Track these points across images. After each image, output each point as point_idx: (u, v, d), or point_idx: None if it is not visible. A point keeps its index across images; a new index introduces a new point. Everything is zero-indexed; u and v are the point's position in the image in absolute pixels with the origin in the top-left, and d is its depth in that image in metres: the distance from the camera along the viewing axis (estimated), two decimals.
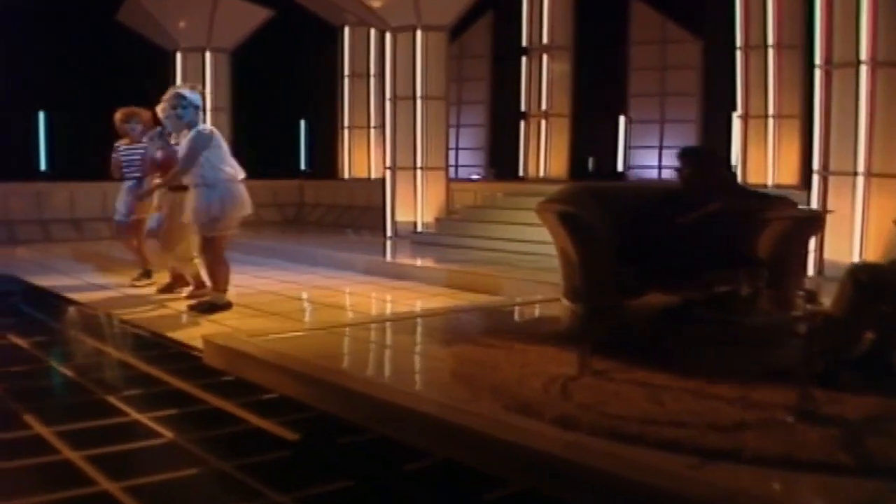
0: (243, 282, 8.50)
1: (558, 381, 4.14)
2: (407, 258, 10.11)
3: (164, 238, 7.63)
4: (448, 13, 12.16)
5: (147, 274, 8.57)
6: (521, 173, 15.01)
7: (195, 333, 6.17)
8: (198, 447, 4.06)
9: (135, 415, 4.54)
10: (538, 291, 7.49)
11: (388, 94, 12.30)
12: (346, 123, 16.14)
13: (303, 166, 17.15)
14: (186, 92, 6.61)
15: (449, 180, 12.56)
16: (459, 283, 8.31)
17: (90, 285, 8.61)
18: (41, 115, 14.62)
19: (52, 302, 7.81)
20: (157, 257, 8.40)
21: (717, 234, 5.08)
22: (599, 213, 5.07)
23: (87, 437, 4.11)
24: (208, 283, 7.10)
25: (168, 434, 4.22)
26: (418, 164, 12.13)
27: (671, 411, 3.66)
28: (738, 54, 11.83)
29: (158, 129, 7.78)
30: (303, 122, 17.08)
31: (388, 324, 5.68)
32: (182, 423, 4.46)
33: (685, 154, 5.40)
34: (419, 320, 5.95)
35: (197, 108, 6.58)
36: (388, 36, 12.30)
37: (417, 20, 12.03)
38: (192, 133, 6.54)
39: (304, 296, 7.91)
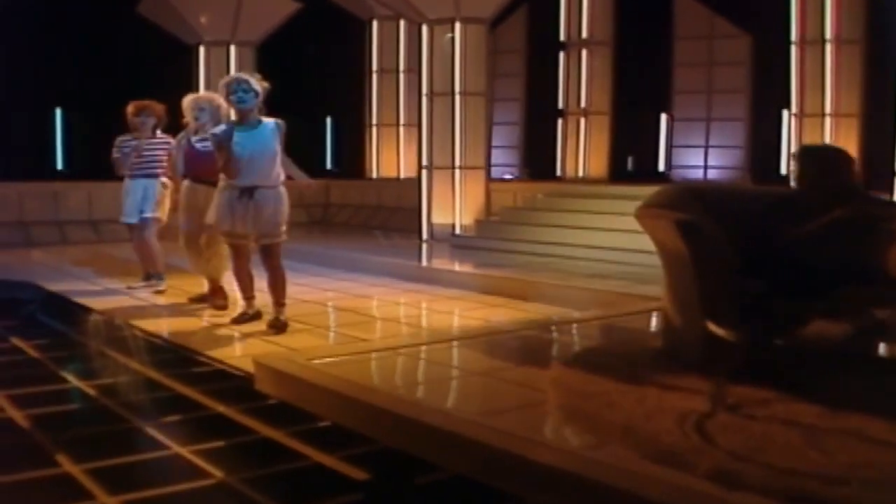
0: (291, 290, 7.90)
1: (691, 419, 3.47)
2: (451, 264, 9.46)
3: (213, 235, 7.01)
4: (488, 5, 11.52)
5: (154, 277, 7.97)
6: (558, 173, 14.39)
7: (233, 350, 5.55)
8: (252, 489, 3.50)
9: (175, 447, 3.94)
10: (606, 302, 6.88)
11: (424, 90, 11.64)
12: (374, 121, 15.50)
13: (329, 165, 16.53)
14: (250, 76, 5.92)
15: (489, 180, 11.89)
16: (514, 292, 7.66)
17: (112, 292, 7.99)
18: (58, 113, 14.14)
19: (73, 311, 7.20)
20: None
21: (843, 245, 4.39)
22: (710, 221, 4.38)
23: (123, 477, 3.60)
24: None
25: (216, 473, 3.65)
26: (456, 163, 11.47)
27: (845, 464, 2.99)
28: (793, 50, 11.20)
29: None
30: (329, 120, 16.47)
31: (460, 342, 5.00)
32: (231, 457, 3.88)
33: (807, 154, 4.72)
34: (495, 337, 5.24)
35: (258, 95, 5.86)
36: (424, 29, 11.65)
37: (456, 12, 11.38)
38: (275, 124, 5.91)
39: (350, 306, 7.24)
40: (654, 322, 6.00)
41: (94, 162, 13.58)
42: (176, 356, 5.61)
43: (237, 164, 5.74)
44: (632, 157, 15.13)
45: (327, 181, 15.23)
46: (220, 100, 7.03)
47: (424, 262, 9.64)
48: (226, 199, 5.90)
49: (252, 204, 5.82)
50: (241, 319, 6.19)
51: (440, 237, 11.49)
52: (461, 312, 6.98)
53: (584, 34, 14.02)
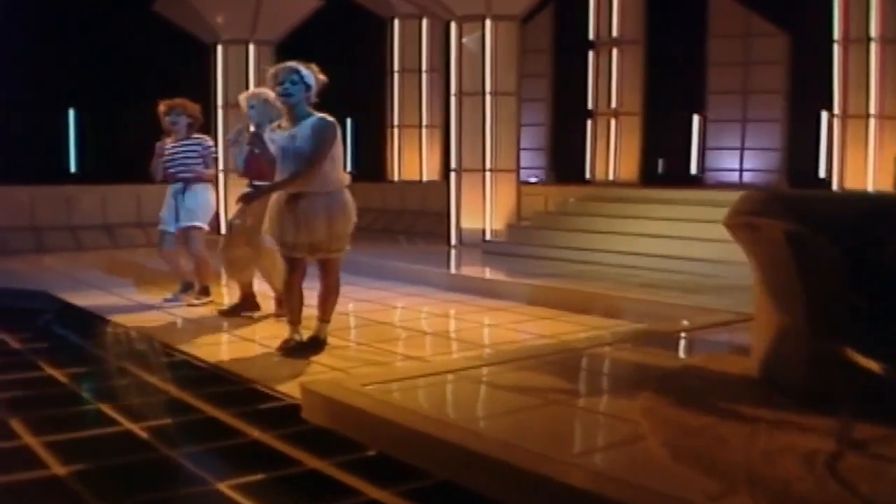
0: (313, 300, 7.40)
1: (818, 461, 2.98)
2: (489, 272, 8.95)
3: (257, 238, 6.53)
4: (520, 1, 11.04)
5: (206, 291, 7.46)
6: (587, 176, 13.92)
7: (272, 371, 5.06)
8: None
9: (212, 481, 3.45)
10: (665, 315, 6.40)
11: (452, 90, 11.17)
12: (395, 122, 15.03)
13: (349, 168, 15.98)
14: (302, 66, 5.22)
15: (520, 183, 11.41)
16: (562, 303, 7.19)
17: (130, 303, 7.52)
18: (71, 114, 13.72)
19: (90, 324, 6.73)
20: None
21: None
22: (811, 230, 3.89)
23: None
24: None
25: None
26: (487, 165, 10.99)
27: None
28: (836, 49, 10.70)
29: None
30: (349, 121, 15.99)
31: (524, 362, 4.50)
32: (274, 492, 3.41)
33: None
34: (562, 357, 4.74)
35: (309, 88, 5.21)
36: (452, 26, 11.18)
37: (487, 9, 10.91)
38: (317, 121, 5.17)
39: (388, 318, 6.75)
40: (731, 339, 5.53)
41: (109, 164, 13.33)
42: (206, 375, 5.12)
43: (275, 166, 5.22)
44: (662, 160, 14.62)
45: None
46: (268, 93, 6.54)
47: (460, 271, 9.14)
48: (276, 206, 5.33)
49: (301, 212, 5.19)
50: (289, 349, 5.42)
51: (469, 242, 11.03)
52: (511, 326, 6.49)
53: (615, 33, 13.65)
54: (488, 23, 10.95)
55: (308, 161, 5.08)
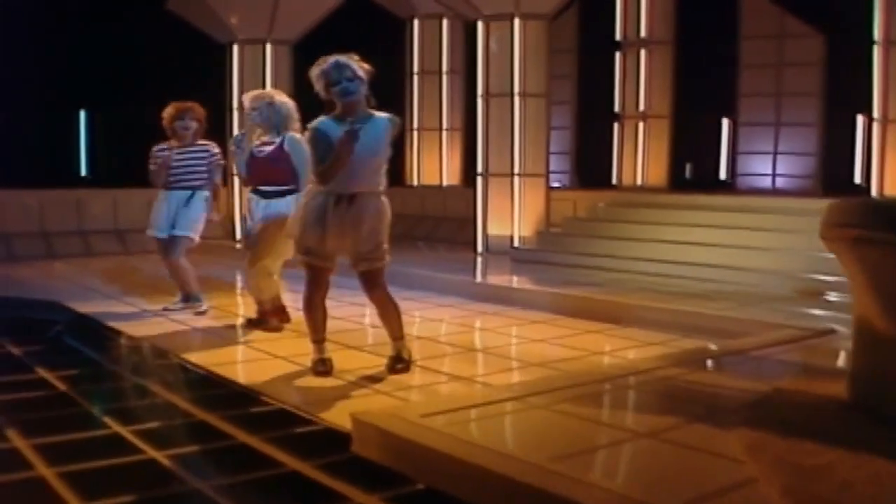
0: (340, 311, 6.96)
1: None
2: (524, 281, 8.50)
3: (257, 250, 6.20)
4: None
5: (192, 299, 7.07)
6: (613, 181, 13.48)
7: (307, 392, 4.61)
8: None
9: None
10: (721, 329, 5.98)
11: (479, 91, 10.72)
12: (415, 125, 14.59)
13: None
14: (353, 63, 4.72)
15: (550, 188, 10.96)
16: (605, 315, 6.75)
17: (147, 314, 7.09)
18: (82, 115, 13.32)
19: (104, 336, 6.30)
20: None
21: None
22: None
23: None
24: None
25: None
26: (515, 169, 10.54)
27: None
28: (876, 50, 10.23)
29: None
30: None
31: (593, 386, 4.03)
32: None
33: None
34: (633, 380, 4.27)
35: (364, 82, 4.74)
36: (479, 25, 10.74)
37: (515, 7, 10.48)
38: (389, 122, 4.79)
39: (429, 333, 6.28)
40: (801, 358, 5.07)
41: (120, 167, 12.89)
42: (232, 395, 4.68)
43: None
44: (690, 165, 14.16)
45: None
46: (279, 98, 6.19)
47: (493, 280, 8.68)
48: (317, 207, 4.78)
49: (350, 215, 4.72)
50: (319, 370, 5.00)
51: (496, 250, 10.58)
52: (557, 341, 6.04)
53: (643, 33, 13.23)
54: (517, 22, 10.51)
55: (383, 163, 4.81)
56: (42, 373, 5.10)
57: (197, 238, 7.06)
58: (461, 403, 3.67)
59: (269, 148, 6.16)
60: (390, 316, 5.00)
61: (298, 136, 6.11)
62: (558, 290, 7.61)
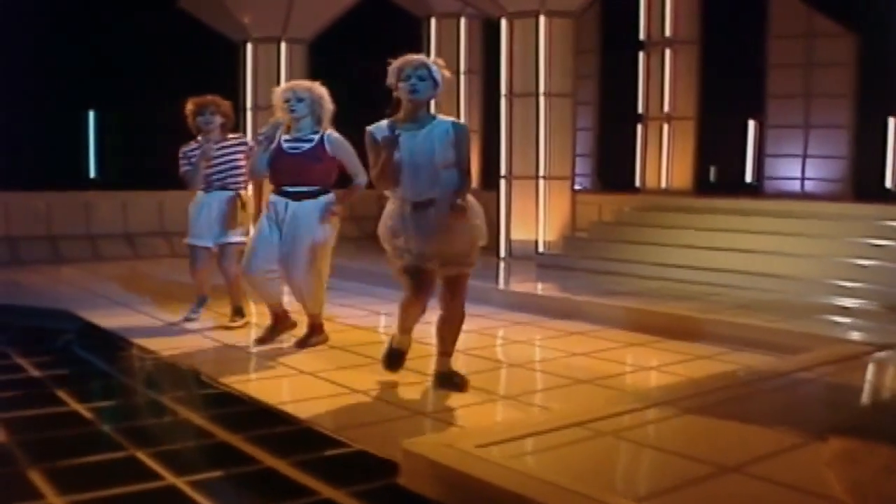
0: (367, 321, 6.62)
1: None
2: (554, 289, 8.12)
3: (316, 259, 5.76)
4: None
5: (240, 312, 6.65)
6: (636, 184, 13.10)
7: (345, 415, 4.23)
8: None
9: None
10: (775, 343, 5.62)
11: (503, 91, 10.34)
12: None
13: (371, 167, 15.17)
14: (431, 63, 4.47)
15: (575, 191, 10.58)
16: (646, 326, 6.39)
17: (159, 323, 6.73)
18: (90, 115, 12.96)
19: (116, 347, 5.93)
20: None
21: None
22: None
23: None
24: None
25: None
26: (540, 172, 10.16)
27: None
28: None
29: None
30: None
31: (663, 409, 3.65)
32: None
33: None
34: (699, 401, 3.87)
35: (437, 86, 4.48)
36: (503, 23, 10.37)
37: (541, 4, 10.11)
38: (456, 127, 4.50)
39: (467, 346, 5.87)
40: (876, 377, 4.69)
41: (130, 169, 12.59)
42: (257, 414, 4.32)
43: (397, 171, 4.43)
44: (714, 167, 13.77)
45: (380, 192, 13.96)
46: (322, 90, 5.77)
47: (523, 287, 8.28)
48: (395, 214, 4.54)
49: (432, 220, 4.44)
50: (393, 360, 4.85)
51: (520, 255, 10.20)
52: (602, 355, 5.66)
53: (668, 32, 12.85)
54: (542, 19, 10.14)
55: (465, 171, 4.52)
56: (51, 387, 4.75)
57: (244, 241, 6.63)
58: (520, 431, 3.29)
59: (307, 145, 5.69)
60: (453, 329, 4.68)
61: (336, 134, 5.75)
62: (594, 299, 7.22)
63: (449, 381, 4.63)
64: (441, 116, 4.58)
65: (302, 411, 4.23)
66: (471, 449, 3.05)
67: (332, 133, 5.72)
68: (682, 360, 5.48)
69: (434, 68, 4.45)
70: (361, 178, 5.68)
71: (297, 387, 4.81)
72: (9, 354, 5.55)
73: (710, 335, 6.09)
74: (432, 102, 4.79)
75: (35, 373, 5.12)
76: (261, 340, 5.96)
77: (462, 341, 5.95)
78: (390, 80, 4.53)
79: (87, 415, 4.26)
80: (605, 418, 3.49)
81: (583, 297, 7.27)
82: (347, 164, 5.72)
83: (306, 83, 5.83)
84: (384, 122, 4.54)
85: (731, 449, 3.26)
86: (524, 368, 5.26)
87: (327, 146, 5.67)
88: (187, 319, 6.71)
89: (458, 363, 4.98)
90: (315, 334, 5.90)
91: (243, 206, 6.57)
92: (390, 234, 4.58)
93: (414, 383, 4.77)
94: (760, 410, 3.85)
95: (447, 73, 4.53)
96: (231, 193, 6.55)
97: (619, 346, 5.94)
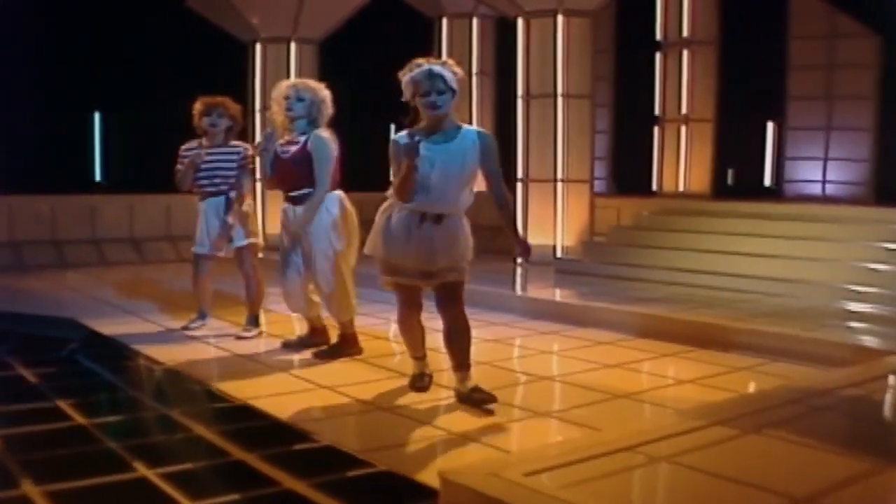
0: (386, 330, 6.35)
1: None
2: (575, 296, 7.83)
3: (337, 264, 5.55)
4: None
5: (256, 321, 6.38)
6: (653, 187, 12.85)
7: (373, 435, 3.95)
8: None
9: None
10: (814, 354, 5.35)
11: (520, 92, 10.07)
12: None
13: (392, 176, 14.89)
14: (443, 69, 4.18)
15: (594, 195, 10.30)
16: (675, 335, 6.12)
17: (167, 333, 6.46)
18: (96, 117, 12.69)
19: (124, 357, 5.67)
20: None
21: None
22: None
23: None
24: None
25: None
26: (558, 175, 9.88)
27: None
28: None
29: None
30: (392, 127, 14.91)
31: (716, 432, 3.36)
32: None
33: None
34: (756, 419, 3.56)
35: (455, 93, 4.21)
36: (520, 22, 10.10)
37: (559, 3, 9.84)
38: (482, 137, 4.26)
39: (492, 357, 5.60)
40: None
41: (136, 172, 12.33)
42: (267, 428, 4.07)
43: (417, 183, 4.18)
44: (732, 170, 13.48)
45: None
46: (326, 94, 5.53)
47: (543, 294, 8.00)
48: (401, 225, 4.27)
49: (434, 235, 4.22)
50: (417, 385, 4.66)
51: (536, 260, 9.86)
52: (635, 366, 5.40)
53: (685, 32, 12.61)
54: (560, 18, 9.86)
55: (500, 184, 4.32)
56: (56, 401, 4.49)
57: (259, 240, 6.45)
58: (570, 457, 3.01)
59: (294, 147, 5.46)
60: (460, 339, 4.39)
61: (325, 134, 5.48)
62: (619, 307, 6.94)
63: (468, 398, 4.35)
64: (466, 126, 4.34)
65: (323, 429, 3.95)
66: (519, 478, 2.77)
67: (318, 132, 5.46)
68: (719, 373, 5.21)
69: (449, 76, 4.18)
70: (319, 188, 5.38)
71: (316, 402, 4.53)
72: (11, 364, 5.31)
73: (742, 344, 5.85)
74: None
75: (38, 384, 4.87)
76: (287, 345, 5.83)
77: (485, 352, 5.74)
78: (405, 95, 4.30)
79: (93, 430, 4.00)
80: (658, 441, 3.21)
81: (607, 305, 7.00)
82: (315, 165, 5.40)
83: (312, 83, 5.61)
84: (405, 133, 4.30)
85: (798, 477, 2.98)
86: (555, 381, 4.98)
87: (309, 144, 5.43)
88: (186, 329, 6.48)
89: (483, 376, 4.70)
90: (347, 346, 5.64)
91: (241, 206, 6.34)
92: (385, 246, 4.33)
93: (443, 399, 4.49)
94: (821, 432, 3.56)
95: (460, 73, 4.27)
96: (223, 198, 6.30)
97: (651, 356, 5.66)
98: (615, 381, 4.95)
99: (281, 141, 5.53)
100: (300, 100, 5.43)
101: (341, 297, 5.52)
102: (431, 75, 4.14)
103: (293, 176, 5.45)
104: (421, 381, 4.66)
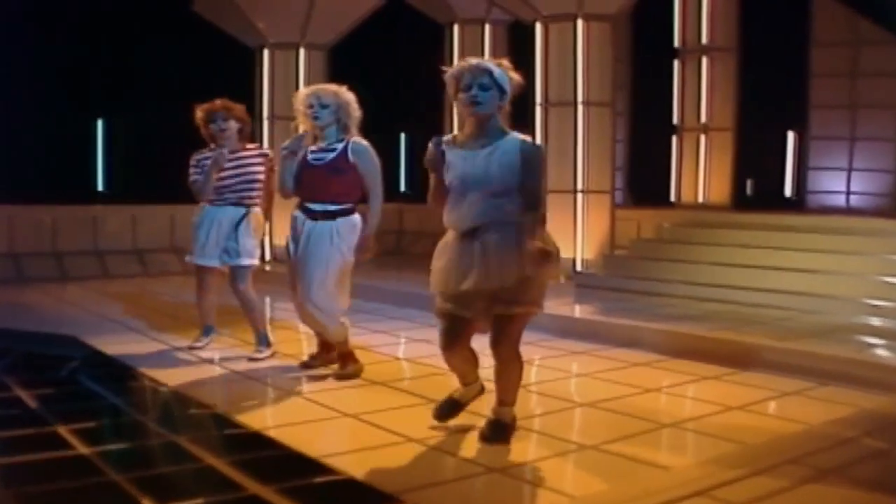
0: (407, 351, 6.00)
1: None
2: (603, 313, 7.48)
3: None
4: None
5: (265, 341, 6.00)
6: (671, 198, 12.52)
7: (410, 472, 3.58)
8: None
9: None
10: (864, 377, 4.97)
11: (538, 99, 9.73)
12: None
13: (402, 187, 14.60)
14: (493, 65, 3.77)
15: (615, 206, 9.95)
16: (713, 356, 5.75)
17: (173, 352, 6.11)
18: (99, 124, 12.36)
19: (127, 378, 5.33)
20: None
21: None
22: None
23: None
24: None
25: None
26: (578, 186, 9.53)
27: None
28: None
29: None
30: (403, 136, 14.62)
31: (791, 470, 3.01)
32: None
33: None
34: (838, 455, 3.23)
35: (504, 94, 3.77)
36: (538, 27, 9.77)
37: (578, 7, 9.51)
38: (526, 147, 3.77)
39: (524, 381, 5.23)
40: None
41: (140, 182, 12.02)
42: (282, 458, 3.73)
43: (445, 194, 3.85)
44: (751, 181, 13.14)
45: (400, 205, 13.41)
46: (349, 95, 5.20)
47: (570, 311, 7.64)
48: (442, 246, 3.91)
49: (474, 252, 3.75)
50: (443, 411, 4.18)
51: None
52: (677, 391, 5.07)
53: (704, 39, 12.31)
54: (580, 23, 9.53)
55: (535, 200, 3.80)
56: (55, 426, 4.16)
57: (257, 264, 6.04)
58: (650, 501, 2.64)
59: (330, 155, 5.12)
60: (509, 378, 3.95)
61: (365, 142, 5.17)
62: (654, 325, 6.59)
63: (492, 429, 3.95)
64: (514, 134, 3.86)
65: (351, 465, 3.58)
66: None
67: (358, 139, 5.16)
68: (767, 398, 4.86)
69: (498, 72, 3.75)
70: (375, 200, 5.14)
71: (339, 433, 4.17)
72: (8, 385, 4.98)
73: (786, 366, 5.47)
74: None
75: (36, 408, 4.54)
76: (305, 365, 5.51)
77: (544, 378, 5.38)
78: (449, 89, 3.88)
79: (96, 460, 3.67)
80: (732, 483, 2.85)
81: (640, 323, 6.63)
82: (366, 175, 5.13)
83: (332, 87, 5.25)
84: (445, 138, 3.90)
85: None
86: (597, 409, 4.59)
87: (350, 154, 5.11)
88: (192, 348, 6.12)
89: (518, 401, 4.34)
90: (347, 363, 5.33)
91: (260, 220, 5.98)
92: (434, 267, 3.94)
93: (477, 428, 4.11)
94: None
95: (516, 78, 3.83)
96: (244, 210, 5.89)
97: (691, 379, 5.29)
98: (659, 408, 4.61)
99: (313, 147, 5.19)
100: (324, 106, 5.10)
101: (331, 318, 5.21)
102: (475, 69, 3.74)
103: (320, 186, 5.12)
104: (449, 408, 4.15)
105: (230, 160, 5.86)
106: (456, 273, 3.78)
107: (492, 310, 3.77)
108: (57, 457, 3.72)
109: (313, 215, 5.14)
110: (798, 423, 4.25)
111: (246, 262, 5.87)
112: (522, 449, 3.86)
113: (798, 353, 5.61)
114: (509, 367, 3.91)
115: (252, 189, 5.90)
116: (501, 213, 3.75)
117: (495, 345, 3.83)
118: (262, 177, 5.90)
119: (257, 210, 5.92)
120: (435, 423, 4.11)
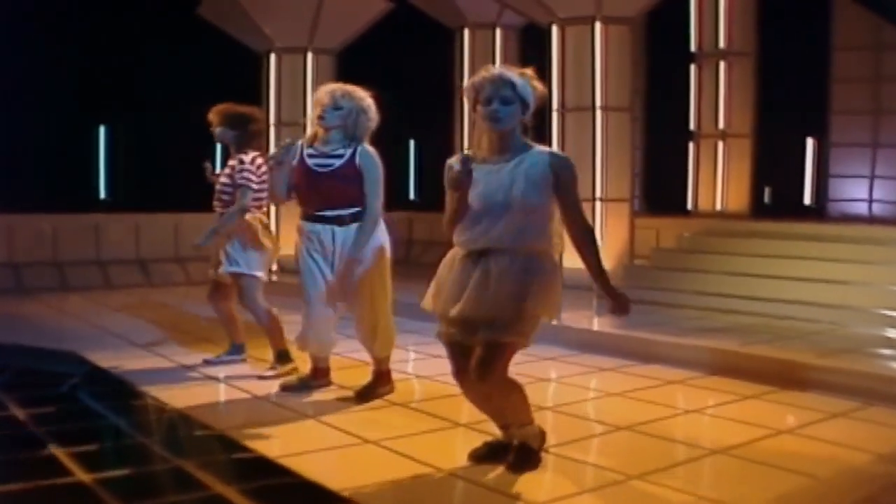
0: (426, 368, 5.69)
1: None
2: (629, 327, 7.12)
3: (375, 294, 5.00)
4: (636, 1, 9.35)
5: (284, 356, 5.68)
6: (689, 206, 12.22)
7: None
8: None
9: None
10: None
11: (554, 105, 9.42)
12: (464, 144, 13.29)
13: (412, 195, 14.34)
14: (515, 75, 3.47)
15: (634, 214, 9.64)
16: (748, 373, 5.44)
17: (179, 369, 5.82)
18: (101, 131, 12.21)
19: (130, 397, 5.05)
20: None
21: None
22: None
23: None
24: None
25: None
26: (596, 193, 9.22)
27: None
28: None
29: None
30: (412, 143, 14.36)
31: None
32: None
33: None
34: None
35: (527, 107, 3.47)
36: (554, 30, 9.47)
37: (596, 9, 9.20)
38: (555, 161, 3.51)
39: (553, 402, 4.93)
40: None
41: (144, 189, 11.84)
42: (297, 487, 3.46)
43: (464, 212, 3.53)
44: (768, 188, 12.83)
45: (409, 214, 13.14)
46: (369, 103, 4.91)
47: (594, 325, 7.31)
48: (447, 264, 3.63)
49: (478, 275, 3.47)
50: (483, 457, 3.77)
51: (571, 284, 9.11)
52: (717, 412, 4.75)
53: (722, 43, 12.01)
54: (598, 26, 9.23)
55: (577, 217, 3.57)
56: (52, 448, 3.90)
57: (259, 274, 5.68)
58: None
59: (337, 162, 4.83)
60: (510, 402, 3.65)
61: (372, 149, 4.91)
62: (685, 340, 6.27)
63: (518, 455, 3.64)
64: (539, 147, 3.57)
65: (375, 498, 3.27)
66: None
67: (366, 146, 4.89)
68: (815, 420, 4.55)
69: (521, 84, 3.45)
70: (372, 211, 4.83)
71: (361, 462, 3.84)
72: (4, 404, 4.71)
73: (828, 384, 5.17)
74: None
75: (33, 428, 4.28)
76: (286, 388, 5.17)
77: (546, 394, 5.07)
78: (467, 101, 3.60)
79: (95, 488, 3.41)
80: None
81: (671, 339, 6.31)
82: (367, 182, 4.84)
83: (356, 91, 4.93)
84: (462, 155, 3.55)
85: None
86: (635, 433, 4.25)
87: (358, 159, 4.84)
88: (207, 363, 5.85)
89: (551, 425, 4.03)
90: (382, 384, 5.04)
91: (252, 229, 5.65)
92: (435, 291, 3.66)
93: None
94: None
95: (540, 88, 3.54)
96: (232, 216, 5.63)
97: (732, 399, 4.97)
98: (704, 432, 4.31)
99: (311, 151, 4.90)
100: (337, 108, 4.81)
101: (385, 329, 4.95)
102: (496, 80, 3.43)
103: (333, 195, 4.85)
104: (487, 451, 3.78)
105: (226, 167, 5.71)
106: (447, 295, 3.53)
107: (477, 334, 3.45)
108: (53, 484, 3.47)
109: (340, 221, 4.85)
110: (856, 450, 3.94)
111: (241, 270, 5.60)
112: (557, 482, 3.54)
113: (840, 371, 5.30)
114: (503, 393, 3.60)
115: (225, 198, 5.65)
116: (519, 240, 3.46)
117: (477, 374, 3.46)
118: (255, 185, 5.58)
119: (248, 218, 5.61)
120: (466, 448, 3.80)
